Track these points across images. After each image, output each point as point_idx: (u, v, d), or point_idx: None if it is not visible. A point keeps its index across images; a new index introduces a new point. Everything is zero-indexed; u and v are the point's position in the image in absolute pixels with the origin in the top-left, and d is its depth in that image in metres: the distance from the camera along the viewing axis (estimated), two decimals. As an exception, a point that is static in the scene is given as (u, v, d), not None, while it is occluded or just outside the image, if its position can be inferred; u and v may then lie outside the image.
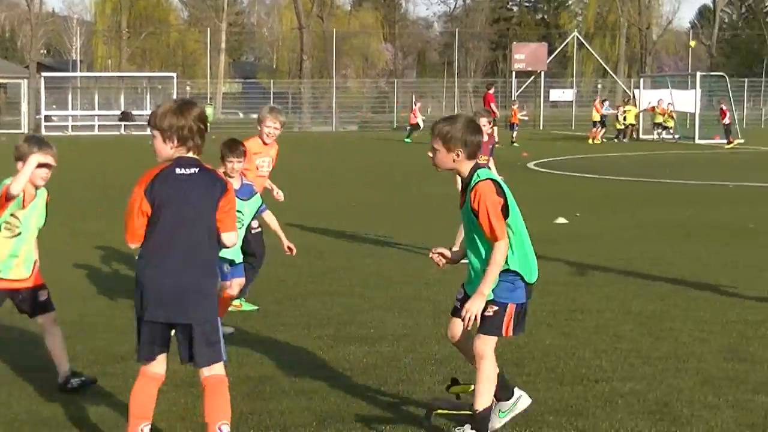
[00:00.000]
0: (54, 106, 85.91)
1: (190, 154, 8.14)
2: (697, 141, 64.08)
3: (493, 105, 60.45)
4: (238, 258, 12.79)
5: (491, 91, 64.30)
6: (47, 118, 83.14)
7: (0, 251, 9.96)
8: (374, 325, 13.38)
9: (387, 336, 12.74)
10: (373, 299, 15.12)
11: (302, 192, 28.74)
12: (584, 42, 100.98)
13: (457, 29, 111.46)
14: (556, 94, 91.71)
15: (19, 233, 9.97)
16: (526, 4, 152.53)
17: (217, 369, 8.33)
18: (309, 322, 13.78)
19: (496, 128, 58.04)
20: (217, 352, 8.29)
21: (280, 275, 16.65)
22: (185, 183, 8.04)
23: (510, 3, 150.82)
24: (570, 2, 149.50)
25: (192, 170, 8.09)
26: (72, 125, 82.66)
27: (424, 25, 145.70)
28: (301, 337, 12.95)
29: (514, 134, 61.00)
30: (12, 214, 9.86)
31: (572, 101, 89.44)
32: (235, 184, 12.67)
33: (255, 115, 68.93)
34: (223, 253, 10.90)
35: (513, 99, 74.35)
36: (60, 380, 10.35)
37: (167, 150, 8.12)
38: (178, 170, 8.06)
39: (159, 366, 8.35)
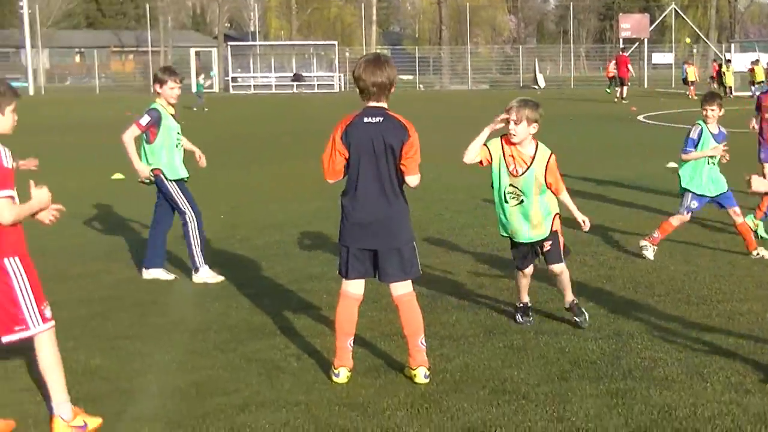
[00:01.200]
0: (239, 70, 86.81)
1: (376, 104, 8.13)
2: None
3: (630, 66, 59.69)
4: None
5: (627, 54, 63.06)
6: (233, 80, 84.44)
7: None
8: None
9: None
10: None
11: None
12: (680, 12, 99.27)
13: (571, 2, 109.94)
14: (657, 58, 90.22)
15: None
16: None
17: (409, 287, 8.33)
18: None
19: (625, 88, 57.50)
20: (408, 273, 8.28)
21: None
22: (373, 130, 8.04)
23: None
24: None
25: (378, 119, 8.07)
26: (254, 85, 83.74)
27: (541, 0, 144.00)
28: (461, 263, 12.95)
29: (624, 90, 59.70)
30: None
31: (671, 63, 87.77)
32: None
33: (404, 77, 68.80)
34: None
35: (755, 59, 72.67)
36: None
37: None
38: (366, 119, 8.07)
39: (357, 287, 8.32)
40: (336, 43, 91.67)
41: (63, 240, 14.54)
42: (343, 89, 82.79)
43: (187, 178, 12.27)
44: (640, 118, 42.73)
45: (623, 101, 56.03)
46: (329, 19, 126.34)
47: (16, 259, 6.90)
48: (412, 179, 8.11)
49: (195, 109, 51.87)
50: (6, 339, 6.95)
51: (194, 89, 58.73)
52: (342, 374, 8.17)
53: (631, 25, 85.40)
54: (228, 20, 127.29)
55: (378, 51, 8.62)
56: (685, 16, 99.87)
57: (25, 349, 9.18)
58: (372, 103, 8.14)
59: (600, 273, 12.16)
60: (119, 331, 9.84)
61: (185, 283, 12.07)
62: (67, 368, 8.14)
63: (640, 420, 7.27)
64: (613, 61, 61.32)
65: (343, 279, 8.30)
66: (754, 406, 7.50)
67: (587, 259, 12.95)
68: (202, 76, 61.99)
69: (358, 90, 8.21)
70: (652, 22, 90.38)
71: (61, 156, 27.33)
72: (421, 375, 8.14)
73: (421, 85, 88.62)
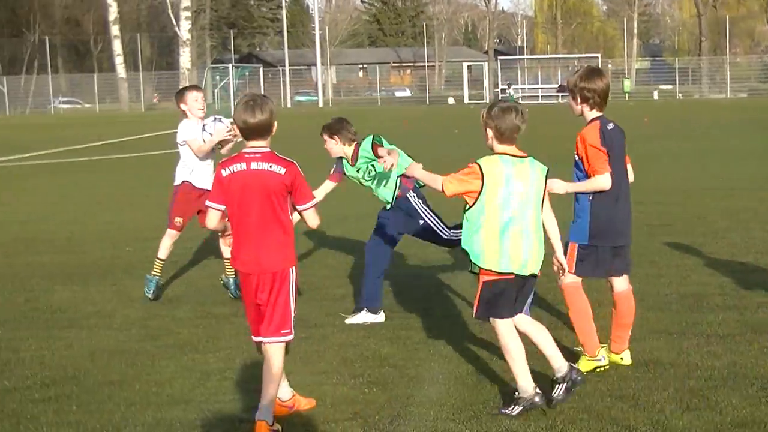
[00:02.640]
0: (507, 82, 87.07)
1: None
2: None
3: None
4: None
5: None
6: (502, 91, 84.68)
7: None
8: None
9: None
10: None
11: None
12: None
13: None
14: None
15: None
16: None
17: (628, 283, 8.35)
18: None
19: None
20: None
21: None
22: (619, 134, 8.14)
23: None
24: None
25: (612, 125, 8.10)
26: (521, 96, 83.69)
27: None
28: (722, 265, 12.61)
29: None
30: None
31: None
32: None
33: (664, 86, 67.70)
34: None
35: None
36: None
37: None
38: (609, 126, 8.07)
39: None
40: (599, 55, 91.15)
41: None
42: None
43: None
44: None
45: None
46: (592, 33, 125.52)
47: (294, 269, 7.08)
48: None
49: None
50: (268, 340, 7.01)
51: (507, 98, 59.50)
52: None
53: None
54: (497, 36, 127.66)
55: (588, 65, 7.53)
56: None
57: (320, 337, 9.48)
58: None
59: None
60: (403, 323, 9.97)
61: (462, 276, 12.11)
62: (359, 355, 8.33)
63: None
64: None
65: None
66: None
67: None
68: (512, 88, 62.86)
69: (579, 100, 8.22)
70: None
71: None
72: (627, 357, 8.31)
73: (680, 95, 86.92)
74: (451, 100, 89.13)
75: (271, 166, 6.89)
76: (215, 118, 11.65)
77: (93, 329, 10.06)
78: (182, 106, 11.66)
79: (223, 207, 7.01)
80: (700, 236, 14.72)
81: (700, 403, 7.34)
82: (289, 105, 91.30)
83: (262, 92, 77.88)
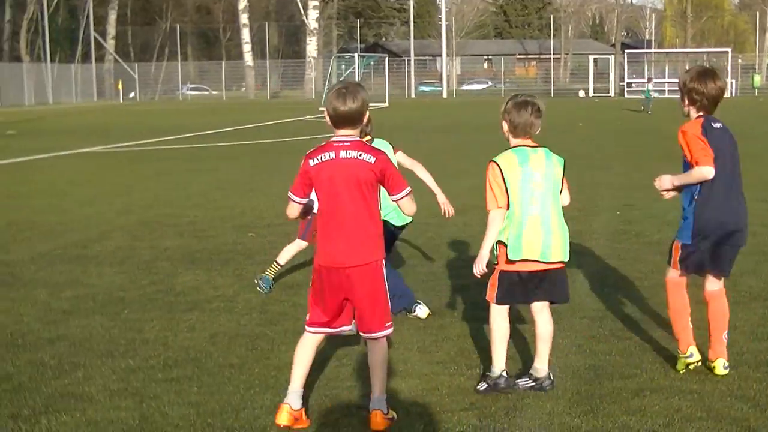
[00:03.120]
0: (634, 76, 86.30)
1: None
2: None
3: None
4: None
5: None
6: (628, 85, 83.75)
7: None
8: None
9: None
10: None
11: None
12: None
13: None
14: None
15: None
16: None
17: (721, 284, 8.09)
18: None
19: None
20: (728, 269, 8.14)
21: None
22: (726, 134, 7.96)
23: None
24: None
25: (719, 125, 7.94)
26: (656, 91, 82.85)
27: None
28: None
29: None
30: None
31: None
32: None
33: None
34: None
35: None
36: None
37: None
38: (715, 124, 7.93)
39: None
40: (729, 50, 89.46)
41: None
42: (734, 95, 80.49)
43: None
44: None
45: None
46: (723, 27, 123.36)
47: (383, 261, 6.96)
48: None
49: (648, 111, 53.88)
50: (376, 335, 6.93)
51: (644, 96, 59.77)
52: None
53: None
54: (624, 29, 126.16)
55: (702, 66, 7.33)
56: None
57: (438, 328, 9.50)
58: None
59: None
60: (520, 316, 9.93)
61: (586, 271, 12.02)
62: (477, 346, 8.32)
63: None
64: None
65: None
66: None
67: None
68: (651, 83, 62.50)
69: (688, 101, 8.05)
70: None
71: (479, 152, 27.87)
72: (720, 366, 7.86)
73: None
74: (581, 93, 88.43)
75: (360, 155, 6.77)
76: None
77: (214, 313, 10.22)
78: None
79: (305, 200, 6.97)
80: None
81: (826, 407, 7.20)
82: (413, 95, 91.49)
83: (387, 82, 78.42)
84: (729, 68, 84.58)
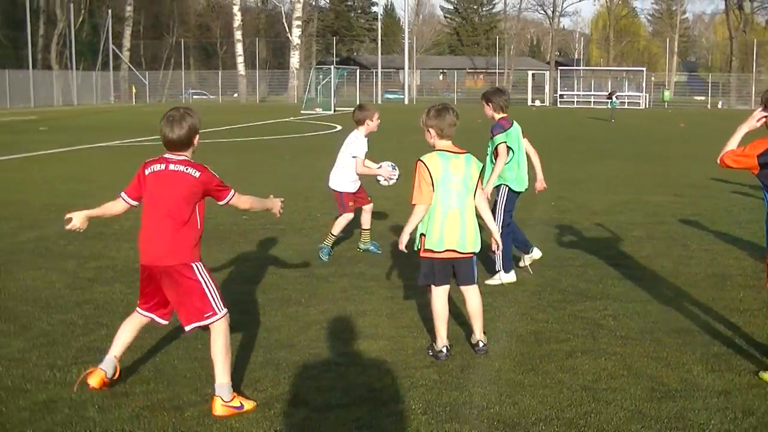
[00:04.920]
0: (565, 89, 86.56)
1: None
2: None
3: None
4: None
5: None
6: (560, 97, 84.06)
7: None
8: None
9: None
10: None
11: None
12: None
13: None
14: None
15: None
16: None
17: None
18: None
19: None
20: None
21: None
22: None
23: None
24: None
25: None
26: (576, 101, 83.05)
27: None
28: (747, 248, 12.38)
29: None
30: None
31: None
32: None
33: (698, 97, 67.11)
34: None
35: None
36: None
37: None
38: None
39: None
40: (644, 69, 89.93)
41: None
42: (647, 106, 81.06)
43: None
44: None
45: None
46: (639, 50, 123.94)
47: (197, 264, 6.40)
48: None
49: (611, 120, 53.26)
50: (190, 327, 6.38)
51: (609, 106, 59.65)
52: None
53: None
54: (558, 49, 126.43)
55: None
56: None
57: (404, 297, 9.50)
58: None
59: None
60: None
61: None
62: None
63: None
64: None
65: None
66: None
67: None
68: (614, 96, 62.45)
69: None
70: None
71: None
72: None
73: (710, 105, 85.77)
74: (537, 102, 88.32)
75: (187, 169, 6.39)
76: (393, 165, 11.75)
77: (215, 282, 10.18)
78: (368, 122, 11.41)
79: (135, 203, 6.65)
80: (725, 226, 14.51)
81: (722, 366, 7.25)
82: (380, 101, 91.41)
83: (357, 90, 78.24)
84: (644, 84, 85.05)
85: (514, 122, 10.28)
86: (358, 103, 60.12)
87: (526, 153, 10.59)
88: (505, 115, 10.25)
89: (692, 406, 6.36)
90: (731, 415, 6.21)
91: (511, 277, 10.31)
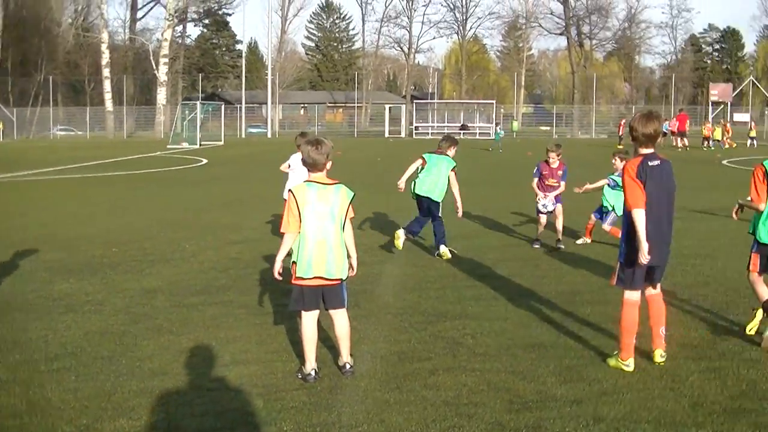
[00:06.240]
0: (420, 120, 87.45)
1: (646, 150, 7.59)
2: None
3: (687, 122, 58.96)
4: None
5: (683, 112, 63.93)
6: (416, 128, 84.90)
7: None
8: None
9: None
10: None
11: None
12: (756, 82, 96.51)
13: (673, 74, 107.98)
14: (738, 117, 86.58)
15: None
16: (717, 58, 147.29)
17: (659, 288, 7.94)
18: None
19: (686, 139, 56.27)
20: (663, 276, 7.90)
21: None
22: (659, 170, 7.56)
23: (705, 58, 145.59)
24: (746, 57, 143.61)
25: (657, 162, 7.57)
26: (431, 132, 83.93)
27: (649, 71, 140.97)
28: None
29: (710, 143, 58.47)
30: None
31: (747, 121, 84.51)
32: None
33: (543, 127, 69.05)
34: None
35: (709, 119, 71.31)
36: None
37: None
38: (650, 162, 7.53)
39: (639, 294, 7.76)
40: (494, 102, 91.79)
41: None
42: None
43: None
44: (725, 162, 41.53)
45: (686, 149, 54.48)
46: (489, 84, 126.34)
47: None
48: None
49: (499, 150, 54.58)
50: None
51: (494, 137, 61.10)
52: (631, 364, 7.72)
53: (718, 91, 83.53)
54: (413, 84, 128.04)
55: (648, 109, 7.78)
56: (759, 85, 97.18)
57: (272, 323, 9.40)
58: (645, 150, 7.57)
59: (698, 280, 11.83)
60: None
61: (389, 277, 12.13)
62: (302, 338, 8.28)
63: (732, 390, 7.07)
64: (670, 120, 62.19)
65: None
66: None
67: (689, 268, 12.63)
68: (500, 127, 63.46)
69: (631, 138, 7.69)
70: (734, 89, 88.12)
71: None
72: (657, 355, 7.80)
73: (555, 134, 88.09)
74: (389, 136, 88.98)
75: None
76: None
77: (86, 314, 9.90)
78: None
79: None
80: (572, 246, 14.90)
81: (574, 377, 7.43)
82: (243, 136, 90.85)
83: (222, 125, 77.49)
84: (494, 116, 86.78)
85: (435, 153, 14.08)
86: (223, 137, 58.43)
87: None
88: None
89: (547, 416, 6.49)
90: (583, 422, 6.36)
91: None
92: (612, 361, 7.76)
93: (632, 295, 7.73)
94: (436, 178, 13.79)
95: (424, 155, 14.17)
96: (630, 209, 7.50)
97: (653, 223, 7.46)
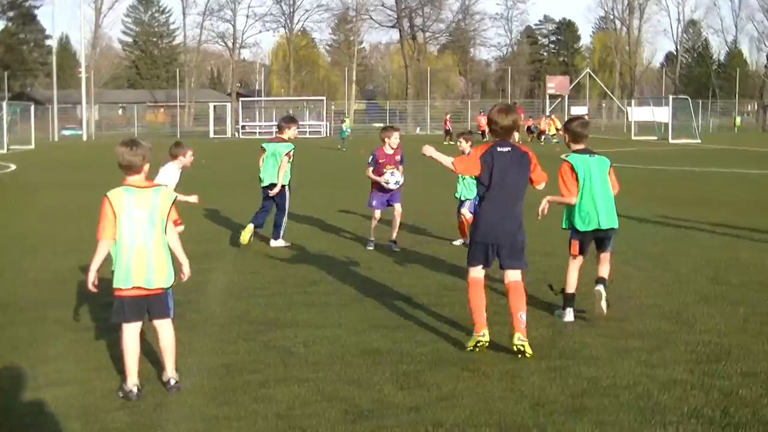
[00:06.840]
0: (247, 119, 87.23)
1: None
2: (670, 141, 63.24)
3: (522, 115, 61.28)
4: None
5: (518, 106, 66.31)
6: (243, 128, 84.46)
7: None
8: None
9: None
10: None
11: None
12: (593, 75, 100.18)
13: (509, 67, 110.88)
14: (575, 110, 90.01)
15: None
16: (553, 50, 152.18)
17: (517, 275, 8.48)
18: None
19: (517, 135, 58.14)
20: (520, 263, 8.54)
21: None
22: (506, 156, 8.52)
23: (542, 50, 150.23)
24: (582, 49, 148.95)
25: (507, 148, 8.51)
26: (259, 132, 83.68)
27: (485, 65, 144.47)
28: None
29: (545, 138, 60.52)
30: None
31: (585, 114, 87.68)
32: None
33: (376, 124, 69.79)
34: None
35: (547, 113, 73.69)
36: None
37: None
38: (499, 148, 8.49)
39: (481, 273, 8.58)
40: (324, 98, 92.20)
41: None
42: (328, 135, 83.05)
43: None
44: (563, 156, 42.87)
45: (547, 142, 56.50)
46: (319, 80, 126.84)
47: None
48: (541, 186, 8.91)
49: (343, 149, 55.54)
50: None
51: (340, 134, 61.66)
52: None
53: (555, 84, 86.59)
54: (239, 81, 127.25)
55: (505, 103, 9.05)
56: (596, 78, 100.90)
57: (89, 339, 9.19)
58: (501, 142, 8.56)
59: (538, 277, 12.19)
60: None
61: (215, 285, 12.04)
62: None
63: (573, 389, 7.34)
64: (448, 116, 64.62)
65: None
66: (660, 376, 7.59)
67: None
68: (346, 123, 63.27)
69: (489, 130, 8.71)
70: (571, 82, 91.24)
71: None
72: (516, 338, 8.31)
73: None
74: (214, 137, 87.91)
75: None
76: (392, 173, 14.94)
77: None
78: (181, 157, 11.54)
79: None
80: (408, 245, 15.13)
81: (411, 383, 7.54)
82: (56, 139, 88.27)
83: (32, 127, 75.04)
84: (324, 113, 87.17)
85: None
86: (33, 140, 56.69)
87: None
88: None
89: (386, 424, 6.58)
90: (422, 429, 6.47)
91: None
92: (470, 342, 8.44)
93: (474, 272, 8.53)
94: (275, 165, 15.20)
95: (262, 144, 15.71)
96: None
97: (495, 206, 8.41)
